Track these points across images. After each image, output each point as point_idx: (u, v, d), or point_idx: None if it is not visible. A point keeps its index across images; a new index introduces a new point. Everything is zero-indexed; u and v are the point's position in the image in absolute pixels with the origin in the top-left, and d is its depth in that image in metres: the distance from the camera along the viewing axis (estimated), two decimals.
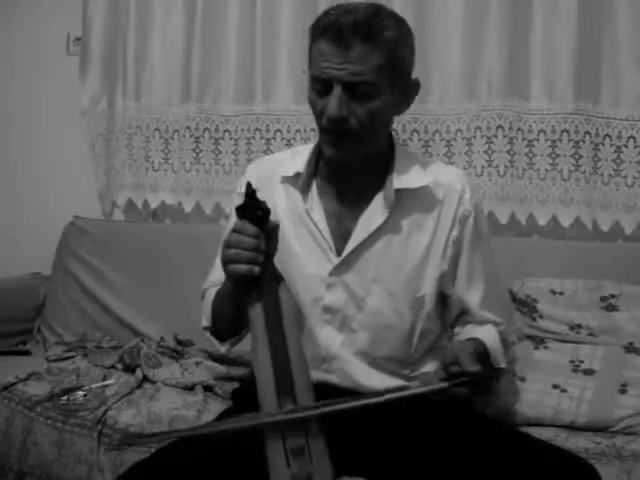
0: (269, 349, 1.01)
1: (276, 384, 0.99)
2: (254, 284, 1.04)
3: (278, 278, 1.07)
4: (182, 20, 2.21)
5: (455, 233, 1.24)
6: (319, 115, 1.16)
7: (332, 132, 1.15)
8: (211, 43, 2.17)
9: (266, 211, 1.04)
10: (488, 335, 1.23)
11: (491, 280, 1.29)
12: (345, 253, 1.21)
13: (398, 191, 1.21)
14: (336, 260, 1.21)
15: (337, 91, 1.11)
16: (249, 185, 1.05)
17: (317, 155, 1.26)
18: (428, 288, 1.23)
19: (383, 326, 1.22)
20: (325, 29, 1.11)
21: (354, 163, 1.20)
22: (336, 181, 1.25)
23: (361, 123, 1.13)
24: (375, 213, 1.22)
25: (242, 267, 1.02)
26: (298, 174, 1.24)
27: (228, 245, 1.04)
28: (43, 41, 2.41)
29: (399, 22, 1.15)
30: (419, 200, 1.23)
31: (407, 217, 1.22)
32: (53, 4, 2.41)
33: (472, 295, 1.27)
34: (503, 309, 1.34)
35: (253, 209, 1.04)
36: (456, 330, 1.31)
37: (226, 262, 1.04)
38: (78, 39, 2.36)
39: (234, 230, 1.04)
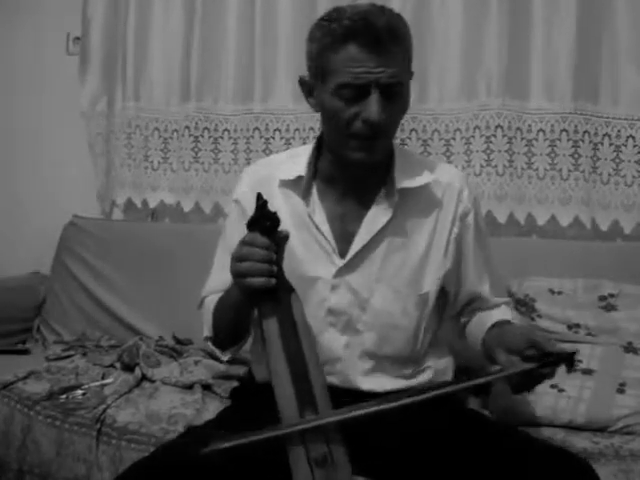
0: (286, 360, 1.01)
1: (297, 395, 0.99)
2: (267, 295, 1.04)
3: (289, 288, 1.06)
4: (181, 20, 2.21)
5: (456, 230, 1.25)
6: (347, 122, 1.13)
7: (367, 137, 1.14)
8: (210, 43, 2.17)
9: (276, 222, 1.04)
10: (512, 317, 1.27)
11: (493, 268, 1.33)
12: (350, 255, 1.21)
13: (400, 190, 1.21)
14: (340, 262, 1.21)
15: (376, 95, 1.10)
16: (259, 196, 1.05)
17: (316, 157, 1.26)
18: (431, 285, 1.24)
19: (389, 325, 1.22)
20: (355, 33, 1.09)
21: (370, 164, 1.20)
22: (338, 182, 1.24)
23: (393, 123, 1.16)
24: (378, 214, 1.22)
25: (256, 280, 1.01)
26: (299, 177, 1.24)
27: (240, 258, 1.03)
28: (43, 41, 2.42)
29: (404, 20, 1.17)
30: (420, 199, 1.24)
31: (409, 216, 1.23)
32: (53, 4, 2.41)
33: (483, 286, 1.30)
34: (504, 291, 1.43)
35: (263, 220, 1.03)
36: (463, 319, 1.33)
37: (239, 275, 1.03)
38: (78, 39, 2.36)
39: (245, 243, 1.03)
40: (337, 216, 1.24)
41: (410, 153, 1.37)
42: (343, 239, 1.22)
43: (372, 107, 1.10)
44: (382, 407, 1.01)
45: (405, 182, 1.21)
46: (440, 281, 1.25)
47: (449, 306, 1.32)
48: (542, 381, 1.05)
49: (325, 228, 1.22)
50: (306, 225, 1.23)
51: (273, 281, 1.02)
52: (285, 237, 1.05)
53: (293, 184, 1.25)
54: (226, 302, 1.18)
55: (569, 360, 1.02)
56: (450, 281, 1.28)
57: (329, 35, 1.12)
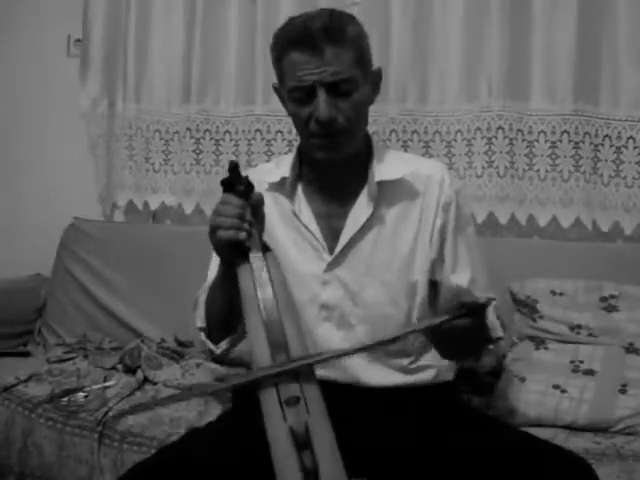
0: (258, 306, 1.02)
1: (269, 341, 0.99)
2: (242, 253, 1.07)
3: (265, 248, 1.09)
4: (182, 21, 2.21)
5: (440, 221, 1.26)
6: (305, 123, 1.19)
7: (323, 135, 1.18)
8: (211, 44, 2.18)
9: (249, 185, 1.09)
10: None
11: (477, 262, 1.30)
12: (337, 250, 1.24)
13: (380, 184, 1.24)
14: (329, 258, 1.24)
15: (322, 94, 1.15)
16: (231, 162, 1.10)
17: (300, 160, 1.30)
18: (420, 275, 1.25)
19: (381, 317, 1.23)
20: (293, 40, 1.16)
21: (340, 162, 1.23)
22: (320, 182, 1.28)
23: (349, 119, 1.18)
24: (361, 208, 1.25)
25: (227, 233, 1.05)
26: (284, 179, 1.28)
27: (213, 214, 1.08)
28: (44, 43, 2.42)
29: (354, 18, 1.21)
30: (401, 191, 1.26)
31: (392, 208, 1.26)
32: (54, 6, 2.41)
33: (460, 278, 1.27)
34: (491, 289, 1.36)
35: (236, 183, 1.09)
36: None
37: (212, 230, 1.08)
38: (78, 41, 2.36)
39: (220, 202, 1.08)
40: (323, 214, 1.27)
41: (389, 149, 1.40)
42: (331, 236, 1.25)
43: (319, 106, 1.15)
44: (349, 351, 1.08)
45: (384, 175, 1.24)
46: (428, 272, 1.26)
47: (437, 299, 1.31)
48: (461, 335, 1.01)
49: (313, 227, 1.25)
50: (295, 225, 1.27)
51: (243, 234, 1.05)
52: (259, 198, 1.10)
53: (279, 186, 1.29)
54: (215, 283, 1.21)
55: (478, 310, 1.01)
56: (437, 271, 1.28)
57: (278, 44, 1.20)
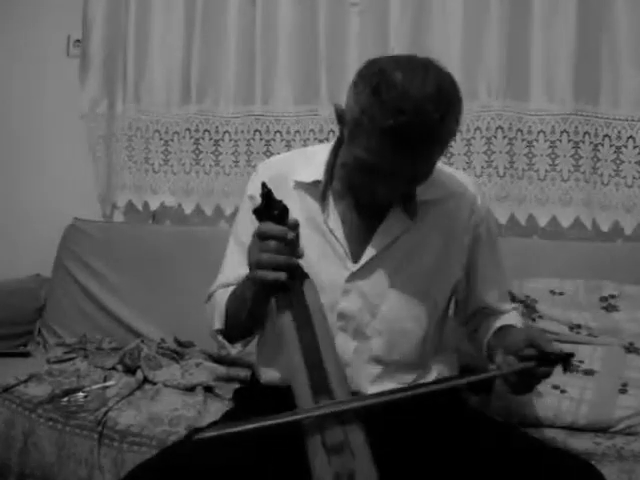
0: (300, 349, 1.01)
1: (311, 383, 0.99)
2: (281, 286, 1.03)
3: (303, 275, 1.06)
4: (182, 22, 2.21)
5: (468, 240, 1.25)
6: (361, 187, 1.13)
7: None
8: (210, 45, 2.18)
9: (284, 210, 1.02)
10: (520, 322, 1.30)
11: (502, 275, 1.35)
12: (363, 261, 1.20)
13: (419, 202, 1.20)
14: (353, 267, 1.21)
15: (389, 188, 1.09)
16: (264, 185, 1.04)
17: (333, 160, 1.24)
18: (443, 293, 1.26)
19: (398, 331, 1.22)
20: (391, 135, 1.01)
21: None
22: (352, 189, 1.22)
23: (413, 189, 1.16)
24: (395, 222, 1.21)
25: (268, 275, 1.01)
26: (316, 182, 1.22)
27: (252, 250, 1.03)
28: (43, 43, 2.42)
29: (458, 106, 1.07)
30: (436, 209, 1.23)
31: (424, 226, 1.22)
32: (53, 6, 2.41)
33: (492, 293, 1.31)
34: (509, 295, 1.43)
35: (271, 209, 1.02)
36: (472, 326, 1.34)
37: (257, 267, 1.02)
38: (78, 41, 2.37)
39: (261, 235, 1.02)
40: (352, 221, 1.22)
41: None
42: (357, 244, 1.21)
43: (379, 195, 1.10)
44: (399, 396, 1.03)
45: (426, 194, 1.20)
46: (451, 290, 1.27)
47: (459, 312, 1.34)
48: (539, 381, 1.06)
49: (339, 233, 1.21)
50: (320, 228, 1.22)
51: (283, 276, 1.01)
52: (296, 224, 1.03)
53: (309, 187, 1.23)
54: (241, 295, 1.16)
55: (566, 360, 1.03)
56: (459, 289, 1.30)
57: (369, 116, 1.03)
